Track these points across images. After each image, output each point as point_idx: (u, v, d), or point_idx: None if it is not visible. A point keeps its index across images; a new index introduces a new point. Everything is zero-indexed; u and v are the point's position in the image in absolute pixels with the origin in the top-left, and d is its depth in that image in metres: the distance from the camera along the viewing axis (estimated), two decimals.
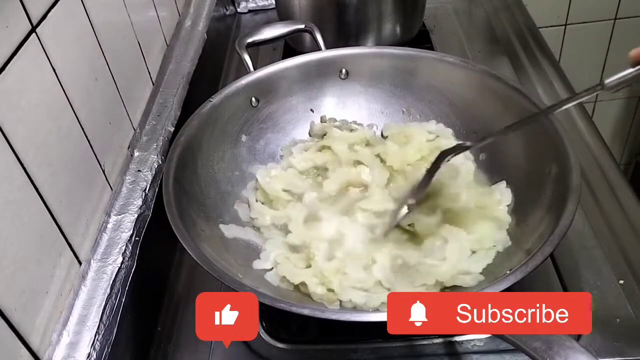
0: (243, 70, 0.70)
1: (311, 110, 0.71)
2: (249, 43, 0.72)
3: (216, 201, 0.60)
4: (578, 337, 0.50)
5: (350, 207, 0.61)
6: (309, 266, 0.55)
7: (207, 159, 0.61)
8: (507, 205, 0.58)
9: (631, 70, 0.46)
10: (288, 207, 0.61)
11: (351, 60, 0.70)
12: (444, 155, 0.57)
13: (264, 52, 0.92)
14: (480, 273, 0.52)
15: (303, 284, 0.53)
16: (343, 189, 0.64)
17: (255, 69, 0.70)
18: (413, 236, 0.58)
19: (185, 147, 0.58)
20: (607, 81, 0.46)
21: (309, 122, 0.71)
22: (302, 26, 0.75)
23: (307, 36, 0.77)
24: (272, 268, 0.55)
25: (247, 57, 0.70)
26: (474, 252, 0.54)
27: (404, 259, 0.55)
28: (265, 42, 0.74)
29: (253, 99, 0.67)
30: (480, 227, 0.56)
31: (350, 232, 0.58)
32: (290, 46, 0.94)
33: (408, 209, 0.57)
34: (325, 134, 0.69)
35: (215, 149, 0.63)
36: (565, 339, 0.38)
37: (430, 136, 0.67)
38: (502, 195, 0.59)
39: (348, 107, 0.71)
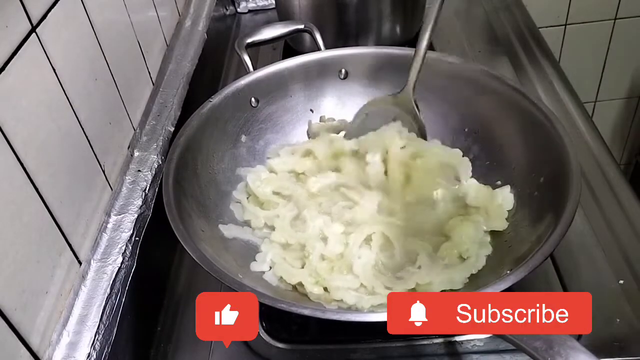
0: (243, 70, 0.70)
1: (311, 110, 0.71)
2: (248, 43, 0.72)
3: (216, 202, 0.60)
4: (578, 337, 0.50)
5: (338, 208, 0.60)
6: (305, 265, 0.55)
7: (207, 160, 0.61)
8: (508, 211, 0.58)
9: None
10: (279, 207, 0.61)
11: (350, 60, 0.70)
12: None
13: (264, 52, 0.92)
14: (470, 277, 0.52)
15: (300, 284, 0.53)
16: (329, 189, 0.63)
17: (255, 68, 0.70)
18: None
19: (185, 148, 0.58)
20: None
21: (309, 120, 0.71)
22: (302, 26, 0.75)
23: (307, 36, 0.77)
24: (270, 268, 0.55)
25: (246, 58, 0.70)
26: (464, 259, 0.54)
27: (385, 263, 0.55)
28: (265, 42, 0.74)
29: (252, 99, 0.67)
30: (461, 232, 0.56)
31: (337, 233, 0.57)
32: (290, 46, 0.94)
33: None
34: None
35: (215, 150, 0.63)
36: (566, 338, 0.38)
37: (402, 142, 0.64)
38: (504, 200, 0.58)
39: (348, 107, 0.71)
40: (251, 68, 0.70)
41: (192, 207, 0.55)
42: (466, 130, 0.66)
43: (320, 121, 0.71)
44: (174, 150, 0.57)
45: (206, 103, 0.63)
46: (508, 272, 0.45)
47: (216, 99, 0.63)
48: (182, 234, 0.48)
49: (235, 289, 0.45)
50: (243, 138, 0.66)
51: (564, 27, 1.29)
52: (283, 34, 0.75)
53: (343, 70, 0.70)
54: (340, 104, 0.71)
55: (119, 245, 0.54)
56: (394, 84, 0.70)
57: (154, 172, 0.62)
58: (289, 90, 0.69)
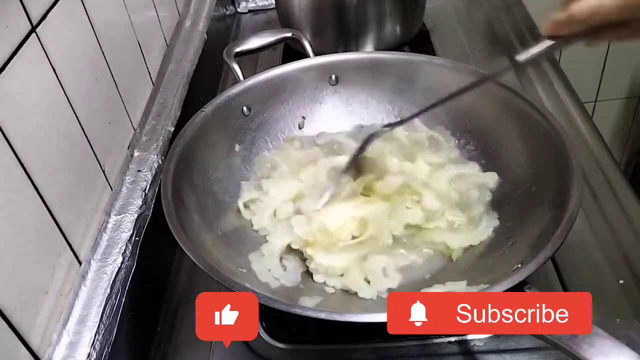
0: (242, 72, 0.70)
1: (302, 117, 0.71)
2: (237, 52, 0.71)
3: (215, 211, 0.59)
4: None
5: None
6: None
7: (202, 170, 0.61)
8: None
9: (542, 46, 0.49)
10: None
11: (340, 66, 0.70)
12: (371, 137, 0.61)
13: (264, 52, 0.92)
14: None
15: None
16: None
17: (256, 70, 0.70)
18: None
19: (180, 158, 0.57)
20: (519, 57, 0.51)
21: (300, 129, 0.71)
22: (289, 34, 0.75)
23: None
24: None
25: (236, 67, 0.70)
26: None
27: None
28: (253, 51, 0.74)
29: (244, 108, 0.66)
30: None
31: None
32: (290, 46, 0.94)
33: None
34: (269, 168, 0.67)
35: (210, 160, 0.62)
36: None
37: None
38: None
39: (340, 112, 0.71)
40: (241, 77, 0.69)
41: (192, 216, 0.55)
42: (460, 131, 0.66)
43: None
44: (169, 161, 0.56)
45: (199, 113, 0.62)
46: (519, 266, 0.45)
47: (208, 109, 0.63)
48: (186, 242, 0.48)
49: (234, 289, 0.45)
50: (237, 147, 0.66)
51: None
52: (270, 42, 0.74)
53: (333, 76, 0.70)
54: (332, 109, 0.71)
55: (119, 245, 0.54)
56: (384, 88, 0.70)
57: (154, 172, 0.62)
58: (280, 98, 0.69)
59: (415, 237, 0.58)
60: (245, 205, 0.62)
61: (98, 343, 0.47)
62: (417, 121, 0.69)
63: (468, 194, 0.61)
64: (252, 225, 0.61)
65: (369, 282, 0.54)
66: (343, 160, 0.64)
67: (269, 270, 0.55)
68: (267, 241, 0.58)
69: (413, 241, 0.58)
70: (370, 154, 0.63)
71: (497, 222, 0.57)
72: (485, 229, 0.57)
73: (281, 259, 0.57)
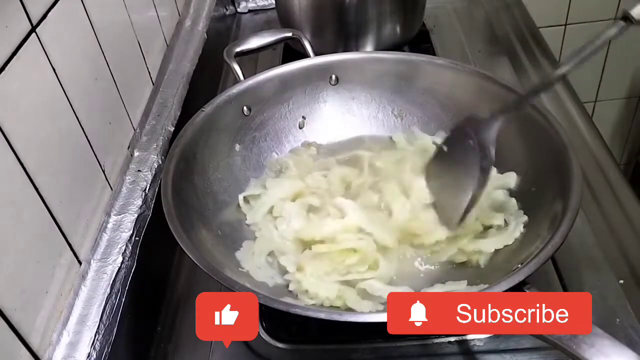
0: (243, 71, 0.70)
1: (303, 117, 0.71)
2: (237, 52, 0.71)
3: (215, 212, 0.59)
4: None
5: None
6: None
7: (202, 170, 0.61)
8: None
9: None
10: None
11: (340, 66, 0.70)
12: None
13: (264, 52, 0.92)
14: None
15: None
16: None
17: (256, 69, 0.70)
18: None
19: (180, 158, 0.57)
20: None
21: (301, 128, 0.71)
22: (289, 34, 0.75)
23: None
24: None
25: (236, 66, 0.70)
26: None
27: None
28: (253, 51, 0.74)
29: (245, 107, 0.66)
30: None
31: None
32: (290, 46, 0.94)
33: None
34: (280, 169, 0.67)
35: (210, 159, 0.62)
36: None
37: None
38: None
39: (340, 112, 0.71)
40: (241, 77, 0.69)
41: (192, 216, 0.55)
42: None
43: (301, 145, 0.70)
44: (169, 161, 0.56)
45: (199, 113, 0.62)
46: (519, 266, 0.45)
47: (209, 108, 0.63)
48: (186, 242, 0.48)
49: (234, 289, 0.45)
50: (237, 147, 0.66)
51: (564, 27, 1.29)
52: (270, 42, 0.74)
53: (333, 77, 0.70)
54: (332, 109, 0.71)
55: (119, 245, 0.54)
56: (384, 88, 0.70)
57: (154, 172, 0.62)
58: (281, 98, 0.69)
59: (440, 253, 0.56)
60: (246, 200, 0.62)
61: (98, 343, 0.47)
62: (416, 128, 0.69)
63: (494, 196, 0.59)
64: (246, 219, 0.61)
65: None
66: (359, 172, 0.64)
67: (259, 268, 0.56)
68: (255, 237, 0.59)
69: (436, 258, 0.56)
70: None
71: (525, 218, 0.55)
72: (516, 226, 0.55)
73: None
